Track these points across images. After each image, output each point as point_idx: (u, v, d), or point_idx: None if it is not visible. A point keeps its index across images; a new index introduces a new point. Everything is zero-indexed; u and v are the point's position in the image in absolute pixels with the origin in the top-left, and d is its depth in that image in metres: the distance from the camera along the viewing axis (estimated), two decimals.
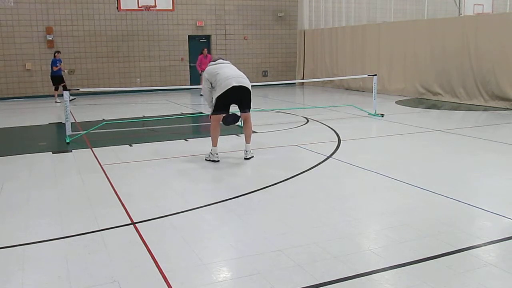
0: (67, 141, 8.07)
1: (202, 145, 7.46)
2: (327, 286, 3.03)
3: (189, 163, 6.59)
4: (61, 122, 9.77)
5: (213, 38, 18.57)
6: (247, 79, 6.55)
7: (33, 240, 3.90)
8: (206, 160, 6.56)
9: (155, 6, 15.19)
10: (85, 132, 8.81)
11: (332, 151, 7.00)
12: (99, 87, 16.64)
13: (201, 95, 6.74)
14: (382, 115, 10.31)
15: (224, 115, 6.48)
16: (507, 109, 11.13)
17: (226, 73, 6.36)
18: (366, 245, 3.72)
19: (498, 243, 3.67)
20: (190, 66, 18.36)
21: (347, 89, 17.26)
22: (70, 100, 8.35)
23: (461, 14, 18.96)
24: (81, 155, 7.20)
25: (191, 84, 18.15)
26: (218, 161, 6.48)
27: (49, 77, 15.00)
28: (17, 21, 15.88)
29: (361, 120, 10.10)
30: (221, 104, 6.39)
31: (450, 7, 20.26)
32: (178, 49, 18.14)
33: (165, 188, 5.44)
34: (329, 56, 18.34)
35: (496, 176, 5.66)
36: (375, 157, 6.76)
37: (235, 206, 4.70)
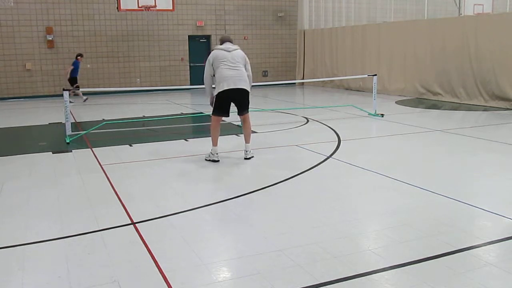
0: (67, 141, 8.07)
1: (202, 145, 7.46)
2: (327, 286, 3.03)
3: (189, 163, 6.58)
4: (61, 122, 9.76)
5: (213, 38, 18.56)
6: (246, 79, 6.42)
7: (33, 240, 3.90)
8: (206, 160, 6.56)
9: (155, 6, 15.19)
10: (85, 132, 8.82)
11: (332, 151, 7.00)
12: (99, 87, 16.63)
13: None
14: (382, 115, 10.31)
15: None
16: (507, 109, 11.13)
17: (225, 72, 6.29)
18: (366, 245, 3.72)
19: (498, 243, 3.67)
20: (190, 66, 18.37)
21: (347, 89, 17.26)
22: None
23: (461, 14, 18.96)
24: (81, 155, 7.20)
25: (191, 84, 18.16)
26: (218, 161, 6.48)
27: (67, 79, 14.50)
28: (17, 21, 15.88)
29: (361, 120, 10.10)
30: (220, 105, 6.39)
31: (450, 7, 20.27)
32: (178, 49, 18.14)
33: (165, 188, 5.44)
34: (329, 56, 18.33)
35: (496, 176, 5.66)
36: (375, 157, 6.76)
37: (235, 206, 4.70)
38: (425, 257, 3.41)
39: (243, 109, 6.54)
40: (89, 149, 7.52)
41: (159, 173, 6.06)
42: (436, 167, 6.15)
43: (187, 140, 8.27)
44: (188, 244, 3.74)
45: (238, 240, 3.88)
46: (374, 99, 10.63)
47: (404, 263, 3.32)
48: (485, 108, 11.46)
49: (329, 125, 9.24)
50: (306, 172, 5.87)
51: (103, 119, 10.75)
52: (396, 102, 13.12)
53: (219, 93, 6.31)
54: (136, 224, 4.19)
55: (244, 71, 6.43)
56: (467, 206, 4.51)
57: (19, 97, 16.17)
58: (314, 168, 6.06)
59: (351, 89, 17.00)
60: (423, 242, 3.69)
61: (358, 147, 7.48)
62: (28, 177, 6.00)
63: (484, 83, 11.96)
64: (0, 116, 12.26)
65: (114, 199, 4.96)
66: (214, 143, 6.52)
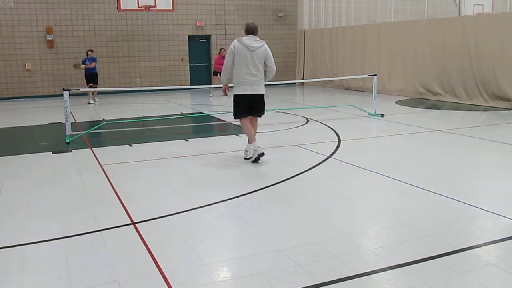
0: (67, 141, 8.07)
1: (202, 145, 7.47)
2: (327, 286, 3.03)
3: (189, 163, 6.58)
4: (61, 122, 9.76)
5: (213, 38, 18.56)
6: (263, 83, 6.56)
7: (33, 240, 3.90)
8: (245, 159, 6.54)
9: (155, 6, 15.19)
10: (85, 132, 8.82)
11: (332, 151, 7.00)
12: (99, 87, 16.60)
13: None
14: (382, 115, 10.31)
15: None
16: (507, 109, 11.13)
17: (244, 76, 6.38)
18: (366, 245, 3.72)
19: (498, 243, 3.67)
20: (190, 66, 18.37)
21: (347, 89, 17.26)
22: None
23: (461, 14, 18.95)
24: (81, 155, 7.19)
25: (191, 84, 18.16)
26: (249, 158, 6.47)
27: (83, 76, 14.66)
28: (17, 21, 15.88)
29: (361, 120, 10.10)
30: (238, 104, 6.48)
31: (450, 7, 20.25)
32: (178, 49, 18.14)
33: (165, 188, 5.44)
34: (329, 56, 18.33)
35: (496, 176, 5.66)
36: (375, 157, 6.76)
37: (235, 206, 4.70)
38: (425, 257, 3.41)
39: (258, 111, 6.60)
40: (89, 149, 7.52)
41: (159, 173, 6.06)
42: (436, 167, 6.15)
43: (187, 140, 8.27)
44: (188, 244, 3.74)
45: (238, 240, 3.88)
46: (374, 99, 10.63)
47: (404, 263, 3.32)
48: (485, 108, 11.46)
49: (329, 125, 9.24)
50: (306, 172, 5.87)
51: (103, 119, 10.75)
52: (396, 102, 13.12)
53: (237, 94, 6.45)
54: (136, 224, 4.19)
55: (262, 74, 6.57)
56: (467, 206, 4.51)
57: (19, 97, 16.17)
58: (314, 168, 6.06)
59: (351, 89, 17.00)
60: (423, 242, 3.69)
61: (358, 147, 7.48)
62: (28, 177, 6.00)
63: (484, 83, 11.96)
64: (0, 116, 12.27)
65: (114, 199, 4.96)
66: (250, 140, 6.51)
